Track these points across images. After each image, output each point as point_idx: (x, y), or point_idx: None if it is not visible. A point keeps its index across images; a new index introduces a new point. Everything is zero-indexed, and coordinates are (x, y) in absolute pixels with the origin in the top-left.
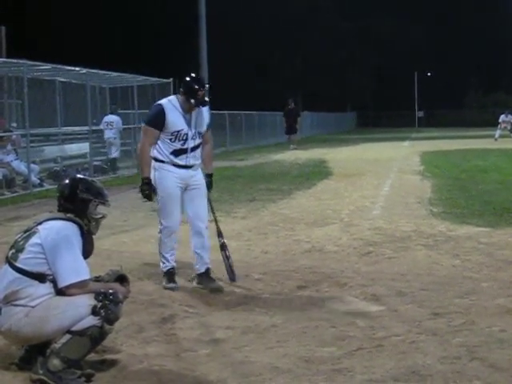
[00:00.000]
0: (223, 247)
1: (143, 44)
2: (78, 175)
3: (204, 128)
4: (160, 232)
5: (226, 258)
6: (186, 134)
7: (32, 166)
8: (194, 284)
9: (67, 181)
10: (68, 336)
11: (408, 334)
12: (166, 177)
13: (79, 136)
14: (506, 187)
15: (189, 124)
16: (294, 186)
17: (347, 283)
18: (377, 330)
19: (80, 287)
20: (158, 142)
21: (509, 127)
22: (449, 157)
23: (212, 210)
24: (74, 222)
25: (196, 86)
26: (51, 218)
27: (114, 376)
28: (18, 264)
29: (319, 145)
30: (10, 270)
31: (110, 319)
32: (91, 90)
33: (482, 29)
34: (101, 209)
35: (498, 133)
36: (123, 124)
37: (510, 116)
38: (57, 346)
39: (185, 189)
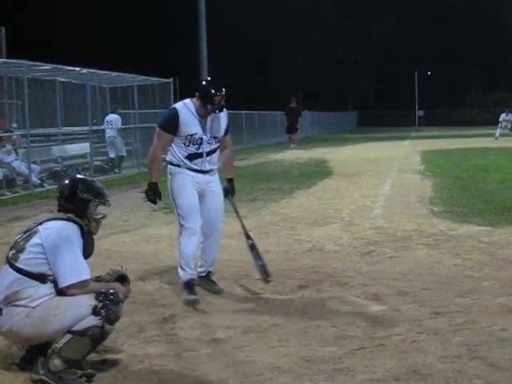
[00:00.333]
0: (253, 248)
1: (143, 44)
2: (78, 175)
3: (221, 133)
4: (180, 234)
5: (258, 258)
6: (201, 139)
7: (32, 166)
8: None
9: (67, 181)
10: (69, 336)
11: (409, 333)
12: (183, 178)
13: (79, 136)
14: (507, 186)
15: (204, 128)
16: (294, 185)
17: (348, 283)
18: (378, 329)
19: (81, 287)
20: (173, 145)
21: (509, 126)
22: (449, 156)
23: (237, 213)
24: (75, 222)
25: (213, 91)
26: (51, 218)
27: (115, 376)
28: (18, 264)
29: (320, 144)
30: (11, 270)
31: (111, 319)
32: (91, 89)
33: (482, 28)
34: (101, 209)
35: (498, 132)
36: (123, 124)
37: (510, 115)
38: (58, 346)
39: (200, 194)
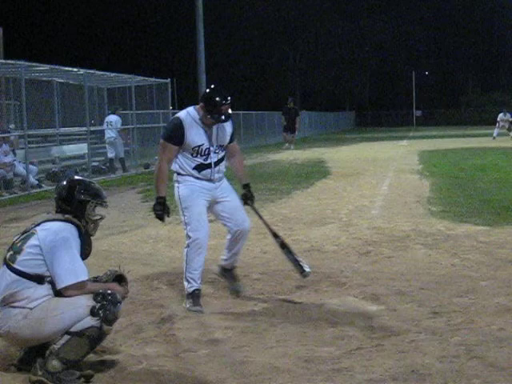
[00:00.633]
0: (283, 246)
1: (141, 45)
2: (76, 176)
3: (226, 141)
4: (187, 246)
5: (290, 253)
6: (208, 149)
7: (30, 166)
8: (216, 271)
9: (65, 182)
10: (67, 337)
11: (407, 333)
12: (191, 187)
13: (77, 137)
14: (505, 186)
15: (209, 138)
16: (292, 185)
17: (346, 283)
18: (376, 329)
19: (78, 288)
20: (179, 155)
21: (507, 126)
22: (447, 156)
23: (261, 217)
24: (72, 223)
25: (218, 99)
26: (49, 219)
27: (113, 376)
28: (15, 266)
29: (318, 144)
30: (8, 271)
31: (109, 320)
32: (89, 90)
33: (479, 28)
34: (99, 210)
35: (496, 131)
36: (122, 124)
37: (508, 115)
38: (56, 347)
39: (214, 202)
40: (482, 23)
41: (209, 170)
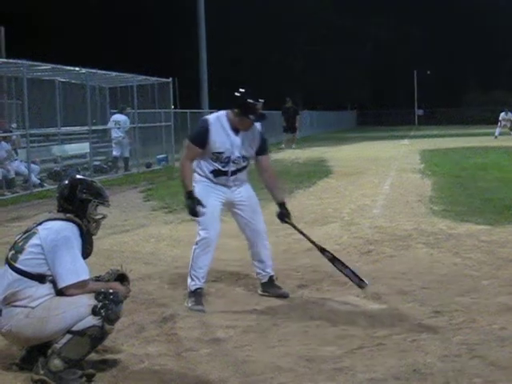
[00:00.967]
0: (333, 260)
1: (143, 44)
2: (78, 175)
3: (252, 152)
4: (196, 244)
5: (344, 267)
6: (228, 157)
7: (32, 166)
8: (259, 292)
9: (67, 181)
10: (69, 336)
11: (409, 332)
12: (206, 188)
13: (79, 136)
14: (506, 185)
15: (232, 146)
16: (294, 184)
17: (348, 282)
18: (378, 328)
19: (80, 287)
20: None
21: (509, 125)
22: (449, 155)
23: (302, 233)
24: (74, 222)
25: (252, 100)
26: (51, 218)
27: (115, 376)
28: (17, 265)
29: (319, 143)
30: (10, 270)
31: (111, 319)
32: (91, 89)
33: (481, 26)
34: (101, 209)
35: (497, 131)
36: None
37: (509, 114)
38: (57, 346)
39: (230, 204)
40: (483, 22)
41: (225, 177)
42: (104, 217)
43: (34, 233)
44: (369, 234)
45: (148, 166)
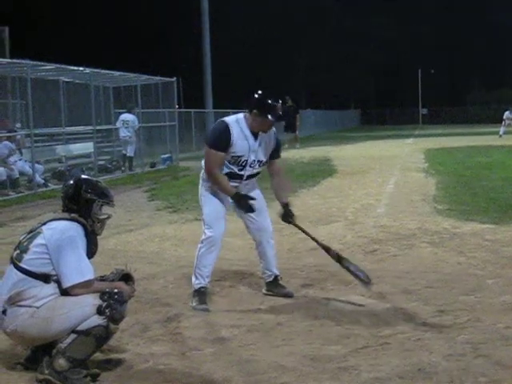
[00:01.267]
0: (340, 259)
1: (146, 43)
2: (83, 175)
3: (266, 157)
4: (201, 243)
5: (350, 265)
6: (246, 161)
7: (37, 166)
8: (264, 291)
9: (71, 181)
10: (73, 336)
11: (413, 331)
12: (211, 191)
13: (83, 136)
14: (511, 184)
15: (249, 150)
16: (298, 184)
17: (352, 281)
18: (382, 327)
19: (84, 287)
20: None
21: None
22: (453, 154)
23: (306, 232)
24: (79, 222)
25: (271, 101)
26: (55, 218)
27: (120, 375)
28: (22, 265)
29: (323, 143)
30: (15, 270)
31: (115, 318)
32: (95, 89)
33: (485, 25)
34: (106, 209)
35: (502, 129)
36: None
37: None
38: (62, 345)
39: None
40: (488, 20)
41: (238, 181)
42: (109, 217)
43: (39, 233)
44: (373, 233)
45: (152, 165)
